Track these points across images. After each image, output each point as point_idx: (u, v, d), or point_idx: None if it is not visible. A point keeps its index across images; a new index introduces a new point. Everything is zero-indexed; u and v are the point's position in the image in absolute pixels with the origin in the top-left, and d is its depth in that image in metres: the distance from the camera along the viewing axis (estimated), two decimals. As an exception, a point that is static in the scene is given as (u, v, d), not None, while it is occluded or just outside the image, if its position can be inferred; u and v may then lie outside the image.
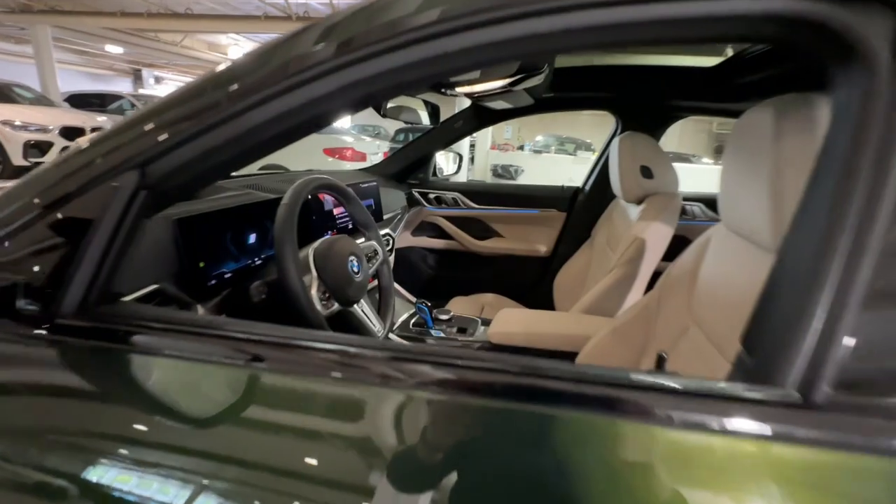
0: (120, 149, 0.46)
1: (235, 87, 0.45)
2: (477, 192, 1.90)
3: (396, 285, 1.49)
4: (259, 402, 0.42)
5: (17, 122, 6.34)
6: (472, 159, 8.92)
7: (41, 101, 7.61)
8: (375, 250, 0.96)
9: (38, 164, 6.25)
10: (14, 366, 0.44)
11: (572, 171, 6.85)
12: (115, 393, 0.44)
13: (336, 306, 0.77)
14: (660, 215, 1.19)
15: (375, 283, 1.03)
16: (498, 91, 1.09)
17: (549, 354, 1.09)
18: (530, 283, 1.86)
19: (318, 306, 0.72)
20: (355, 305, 0.84)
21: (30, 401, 0.44)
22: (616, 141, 1.29)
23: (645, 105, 1.55)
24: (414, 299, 1.47)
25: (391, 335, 1.19)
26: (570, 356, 1.04)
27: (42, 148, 6.41)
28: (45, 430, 0.41)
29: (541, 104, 1.54)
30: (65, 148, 6.05)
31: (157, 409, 0.42)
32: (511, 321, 1.19)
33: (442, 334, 1.19)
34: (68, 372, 0.44)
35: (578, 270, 1.58)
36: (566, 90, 1.50)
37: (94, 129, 6.77)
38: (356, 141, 5.88)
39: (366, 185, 1.36)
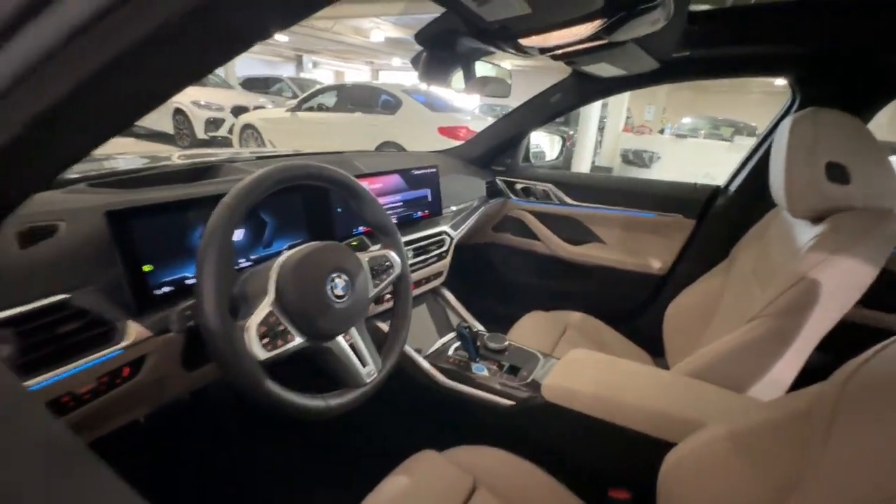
0: None
1: None
2: (575, 186, 1.53)
3: (448, 294, 1.24)
4: None
5: (202, 102, 7.62)
6: (599, 143, 8.02)
7: (222, 84, 9.08)
8: (389, 262, 0.72)
9: (214, 137, 7.48)
10: None
11: (723, 161, 5.61)
12: None
13: (299, 342, 0.57)
14: (855, 245, 0.72)
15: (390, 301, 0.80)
16: (589, 46, 0.74)
17: (624, 434, 0.75)
18: (634, 307, 1.45)
19: (255, 347, 0.52)
20: (337, 339, 0.63)
21: None
22: (788, 121, 0.83)
23: (847, 66, 0.99)
24: (464, 317, 1.20)
25: (425, 364, 0.96)
26: (657, 444, 0.69)
27: (217, 124, 7.60)
28: None
29: (672, 69, 1.11)
30: (233, 124, 7.10)
31: None
32: (580, 372, 0.86)
33: (485, 371, 0.92)
34: None
35: (704, 302, 1.13)
36: (713, 45, 1.03)
37: (256, 108, 7.83)
38: (474, 120, 5.68)
39: (421, 171, 1.13)
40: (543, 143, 1.91)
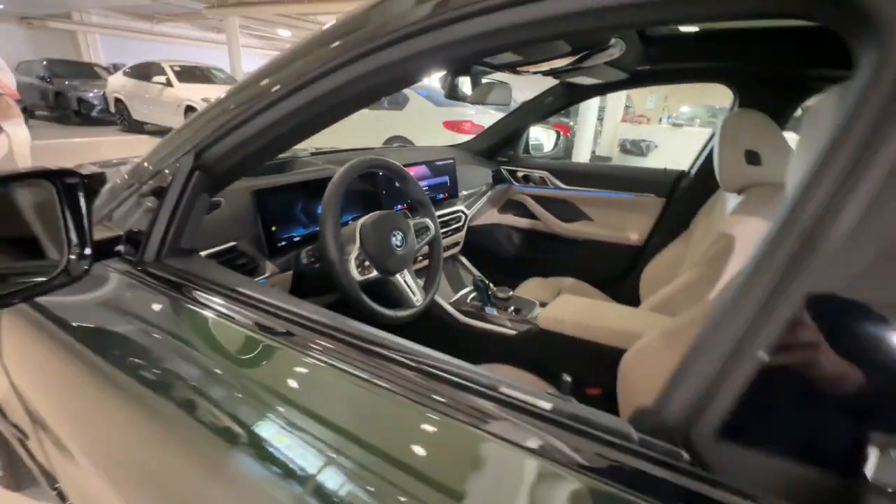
0: (184, 135, 0.60)
1: (293, 67, 0.53)
2: (567, 172, 1.82)
3: (464, 259, 1.55)
4: (277, 373, 0.48)
5: (212, 99, 7.87)
6: (600, 133, 8.26)
7: (229, 80, 9.29)
8: (427, 227, 1.03)
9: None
10: (117, 290, 0.62)
11: (720, 149, 5.85)
12: (162, 328, 0.58)
13: (375, 274, 0.87)
14: (759, 210, 1.02)
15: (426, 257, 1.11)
16: (569, 69, 1.04)
17: (597, 348, 1.05)
18: (617, 272, 1.74)
19: (354, 272, 0.82)
20: (397, 276, 0.93)
21: (121, 317, 0.61)
22: (724, 118, 1.12)
23: (766, 76, 1.28)
24: (478, 275, 1.51)
25: (448, 307, 1.26)
26: (621, 353, 0.99)
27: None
28: (123, 337, 0.58)
29: (640, 77, 1.39)
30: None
31: (184, 354, 0.53)
32: (566, 308, 1.16)
33: (495, 312, 1.23)
34: (142, 305, 0.60)
35: (670, 264, 1.43)
36: (668, 61, 1.32)
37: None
38: (478, 114, 5.94)
39: (442, 162, 1.43)
40: (541, 137, 2.19)
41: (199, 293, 0.56)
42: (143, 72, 8.46)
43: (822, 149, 0.29)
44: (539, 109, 1.72)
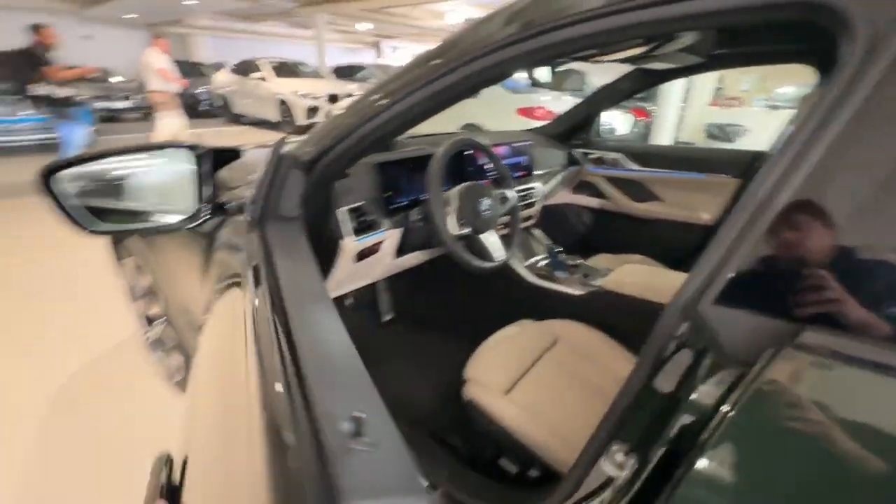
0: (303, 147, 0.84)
1: (402, 79, 0.74)
2: (640, 154, 1.89)
3: (538, 232, 1.71)
4: None
5: (301, 92, 8.52)
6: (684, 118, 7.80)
7: (315, 74, 9.97)
8: (507, 197, 1.22)
9: (312, 124, 8.44)
10: (226, 234, 0.88)
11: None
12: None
13: (467, 230, 1.09)
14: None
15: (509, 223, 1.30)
16: (643, 56, 1.15)
17: (659, 308, 1.18)
18: (686, 250, 1.80)
19: (453, 227, 1.04)
20: (484, 234, 1.13)
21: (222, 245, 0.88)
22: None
23: None
24: (551, 244, 1.67)
25: (521, 269, 1.45)
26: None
27: (315, 111, 8.46)
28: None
29: (716, 60, 1.45)
30: (329, 111, 7.95)
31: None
32: (631, 273, 1.29)
33: (565, 275, 1.39)
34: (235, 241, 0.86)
35: None
36: (744, 44, 1.36)
37: (346, 95, 8.64)
38: (553, 101, 5.94)
39: (519, 143, 1.60)
40: (615, 120, 2.26)
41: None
42: (243, 68, 9.41)
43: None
44: (613, 94, 1.82)
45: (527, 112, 5.48)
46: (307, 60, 10.29)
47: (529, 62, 0.63)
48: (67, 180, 0.84)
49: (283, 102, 8.48)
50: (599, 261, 1.66)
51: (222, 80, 9.78)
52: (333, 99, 8.36)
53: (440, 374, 1.41)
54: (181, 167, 0.90)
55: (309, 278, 0.69)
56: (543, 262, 1.50)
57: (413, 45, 20.13)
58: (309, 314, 0.61)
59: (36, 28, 4.00)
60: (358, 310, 1.65)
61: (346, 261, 1.07)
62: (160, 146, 0.98)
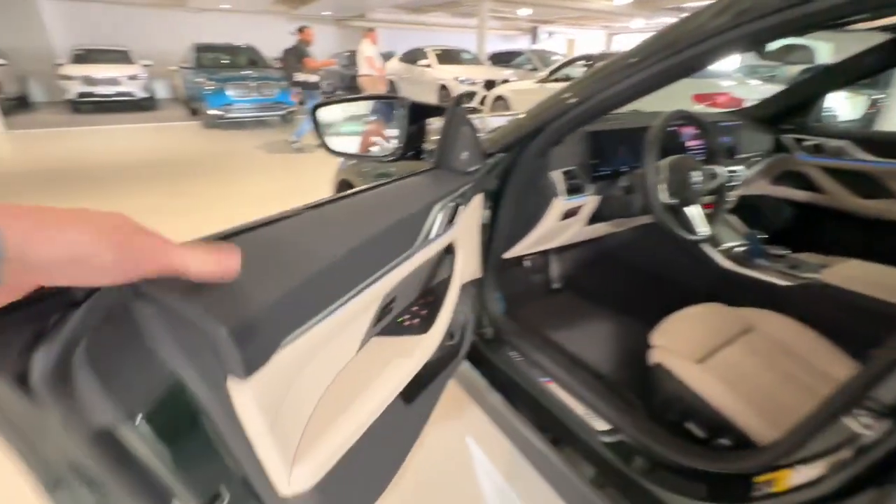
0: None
1: (627, 62, 0.81)
2: (876, 142, 1.62)
3: (733, 218, 1.62)
4: None
5: (461, 78, 8.98)
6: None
7: (474, 60, 10.37)
8: (715, 174, 1.20)
9: (469, 109, 8.86)
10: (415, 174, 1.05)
11: None
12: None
13: (675, 201, 1.12)
14: None
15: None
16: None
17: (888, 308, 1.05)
18: None
19: (661, 196, 1.09)
20: (690, 207, 1.15)
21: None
22: None
23: None
24: (749, 230, 1.57)
25: (713, 251, 1.41)
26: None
27: (470, 96, 8.84)
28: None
29: None
30: (484, 96, 8.24)
31: None
32: (859, 268, 1.17)
33: (766, 263, 1.31)
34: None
35: None
36: None
37: (502, 81, 8.83)
38: (738, 85, 5.22)
39: (725, 124, 1.52)
40: (839, 104, 1.95)
41: None
42: (411, 57, 10.27)
43: None
44: (849, 72, 1.58)
45: (704, 98, 4.93)
46: (468, 48, 10.75)
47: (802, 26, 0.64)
48: (325, 115, 1.14)
49: (443, 87, 9.05)
50: (807, 258, 1.50)
51: (393, 68, 10.83)
52: (490, 85, 8.61)
53: (614, 340, 1.48)
54: (394, 114, 1.12)
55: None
56: (740, 249, 1.43)
57: (569, 30, 19.38)
58: None
59: (300, 29, 5.52)
60: (532, 274, 1.79)
61: (552, 218, 1.20)
62: (383, 97, 1.19)
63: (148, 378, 0.39)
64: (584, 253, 1.87)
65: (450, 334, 1.08)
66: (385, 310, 0.79)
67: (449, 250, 0.93)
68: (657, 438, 0.92)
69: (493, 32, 18.21)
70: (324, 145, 1.12)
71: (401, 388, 0.74)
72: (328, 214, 0.67)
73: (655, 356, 1.07)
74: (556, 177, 1.16)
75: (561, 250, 1.84)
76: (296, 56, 5.51)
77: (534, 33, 19.35)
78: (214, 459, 0.47)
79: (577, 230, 1.38)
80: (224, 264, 0.35)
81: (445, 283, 0.95)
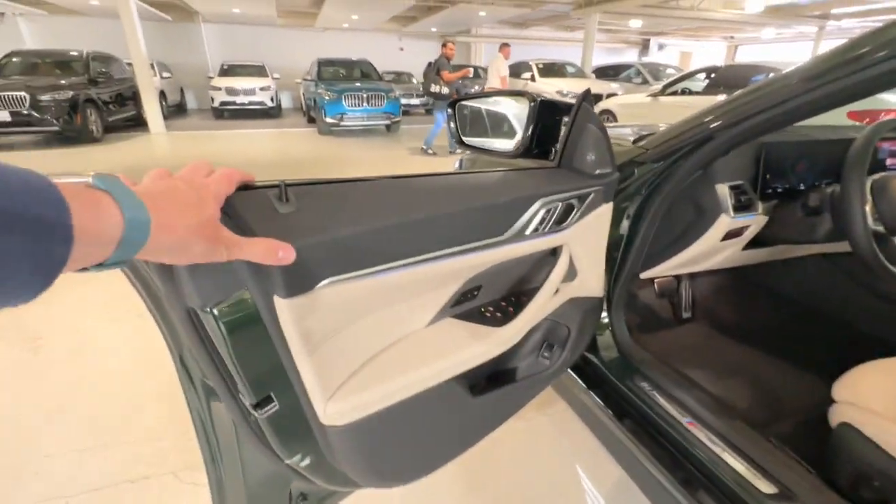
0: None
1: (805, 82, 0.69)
2: None
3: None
4: None
5: (564, 91, 8.83)
6: None
7: (578, 73, 10.14)
8: None
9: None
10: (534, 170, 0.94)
11: None
12: None
13: (881, 228, 0.92)
14: None
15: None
16: None
17: None
18: None
19: (869, 221, 0.91)
20: None
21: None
22: None
23: None
24: None
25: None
26: None
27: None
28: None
29: None
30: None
31: None
32: None
33: None
34: None
35: None
36: None
37: (608, 94, 8.50)
38: (905, 101, 4.39)
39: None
40: None
41: None
42: (515, 70, 10.32)
43: None
44: None
45: (863, 116, 4.22)
46: (574, 61, 10.52)
47: None
48: (461, 110, 1.11)
49: (544, 102, 8.94)
50: None
51: (493, 82, 10.99)
52: (596, 98, 8.34)
53: (768, 386, 1.28)
54: (520, 111, 1.05)
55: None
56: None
57: (683, 42, 18.06)
58: None
59: (444, 44, 6.09)
60: (660, 297, 1.63)
61: (714, 237, 1.07)
62: (512, 92, 1.12)
63: (223, 280, 0.50)
64: (722, 280, 1.66)
65: (549, 345, 1.01)
66: (467, 295, 0.79)
67: (555, 254, 0.87)
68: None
69: (599, 46, 17.68)
70: (458, 139, 1.11)
71: (461, 371, 0.73)
72: (415, 185, 0.68)
73: (841, 413, 0.89)
74: (723, 191, 1.03)
75: (695, 274, 1.65)
76: (436, 69, 6.05)
77: (644, 45, 18.39)
78: (267, 365, 0.57)
79: (731, 254, 1.22)
80: (280, 257, 0.43)
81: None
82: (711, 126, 0.88)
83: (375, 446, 0.67)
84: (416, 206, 0.61)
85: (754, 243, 1.21)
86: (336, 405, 0.58)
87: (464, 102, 1.07)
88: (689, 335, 1.57)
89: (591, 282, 1.04)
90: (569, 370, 1.23)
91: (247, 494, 0.76)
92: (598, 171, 0.90)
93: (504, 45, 6.72)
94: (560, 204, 0.83)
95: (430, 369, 0.68)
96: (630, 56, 18.51)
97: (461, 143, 1.07)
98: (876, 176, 0.95)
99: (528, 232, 0.78)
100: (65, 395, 1.68)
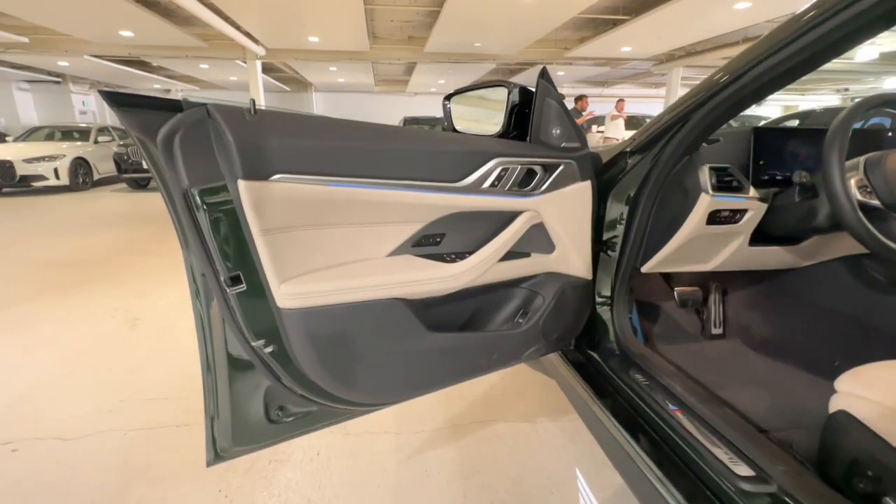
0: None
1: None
2: None
3: None
4: None
5: (619, 139, 8.78)
6: None
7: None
8: None
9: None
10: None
11: None
12: None
13: (877, 202, 0.87)
14: None
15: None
16: None
17: None
18: None
19: (855, 192, 0.86)
20: None
21: None
22: None
23: None
24: None
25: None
26: None
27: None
28: None
29: None
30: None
31: None
32: None
33: None
34: None
35: None
36: None
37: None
38: None
39: None
40: None
41: None
42: (592, 123, 10.47)
43: None
44: None
45: None
46: (652, 113, 10.40)
47: None
48: (455, 103, 1.23)
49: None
50: None
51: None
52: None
53: (779, 389, 1.16)
54: (502, 98, 1.13)
55: None
56: None
57: (785, 96, 16.86)
58: None
59: (577, 98, 7.17)
60: (687, 311, 1.55)
61: (697, 219, 1.06)
62: (495, 83, 1.19)
63: (210, 167, 0.68)
64: (756, 294, 1.54)
65: (524, 312, 1.05)
66: (430, 239, 0.89)
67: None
68: (823, 496, 0.70)
69: (686, 101, 17.20)
70: (451, 128, 1.25)
71: (411, 294, 0.84)
72: (377, 128, 0.82)
73: (839, 402, 0.82)
74: (704, 172, 1.04)
75: (726, 288, 1.56)
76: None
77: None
78: (236, 245, 0.72)
79: (737, 249, 1.18)
80: None
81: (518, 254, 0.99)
82: (686, 107, 0.93)
83: (325, 339, 0.78)
84: (371, 138, 0.77)
85: (766, 237, 1.16)
86: (289, 287, 0.72)
87: (456, 95, 1.24)
88: (712, 349, 1.47)
89: (573, 259, 1.08)
90: (574, 372, 1.20)
91: (230, 400, 0.86)
92: (564, 144, 0.98)
93: (620, 101, 7.73)
94: (518, 167, 0.92)
95: (381, 282, 0.79)
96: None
97: (454, 131, 1.22)
98: (870, 154, 0.91)
99: (485, 185, 0.89)
100: (144, 360, 2.02)
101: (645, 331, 1.51)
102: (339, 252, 0.80)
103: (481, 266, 0.91)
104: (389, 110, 16.30)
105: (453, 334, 0.93)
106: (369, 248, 0.84)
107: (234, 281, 0.74)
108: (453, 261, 0.91)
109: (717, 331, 1.55)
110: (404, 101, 16.67)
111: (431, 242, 0.91)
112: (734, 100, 0.83)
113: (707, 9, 6.53)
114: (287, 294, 0.72)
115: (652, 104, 15.74)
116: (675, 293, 1.53)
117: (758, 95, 0.82)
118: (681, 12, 6.65)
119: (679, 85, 10.97)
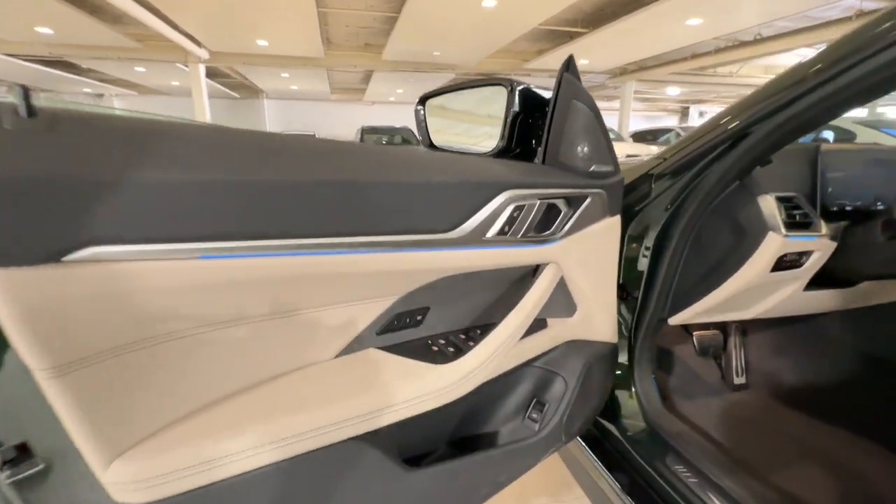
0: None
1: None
2: None
3: None
4: None
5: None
6: None
7: (616, 138, 10.26)
8: None
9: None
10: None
11: None
12: None
13: None
14: None
15: None
16: None
17: None
18: None
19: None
20: None
21: None
22: None
23: None
24: None
25: None
26: None
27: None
28: None
29: None
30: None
31: None
32: None
33: None
34: None
35: None
36: None
37: (648, 155, 8.43)
38: None
39: None
40: None
41: None
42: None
43: None
44: None
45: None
46: (612, 127, 10.66)
47: None
48: (431, 108, 0.95)
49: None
50: None
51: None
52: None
53: (847, 478, 0.93)
54: (498, 102, 0.85)
55: None
56: None
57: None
58: None
59: None
60: (703, 355, 1.31)
61: (762, 264, 0.81)
62: (489, 81, 0.91)
63: None
64: (785, 335, 1.33)
65: (538, 403, 0.75)
66: (406, 319, 0.56)
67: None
68: None
69: (638, 113, 17.92)
70: (427, 143, 0.95)
71: (378, 426, 0.48)
72: (317, 151, 0.47)
73: None
74: (769, 204, 0.79)
75: (745, 328, 1.34)
76: None
77: (684, 112, 18.49)
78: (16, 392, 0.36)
79: (792, 295, 0.94)
80: None
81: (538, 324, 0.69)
82: (747, 119, 0.68)
83: None
84: (296, 164, 0.43)
85: (821, 282, 0.93)
86: (130, 465, 0.36)
87: (433, 98, 0.93)
88: (742, 407, 1.23)
89: (598, 321, 0.80)
90: (581, 443, 0.96)
91: None
92: (593, 168, 0.70)
93: None
94: (537, 203, 0.63)
95: (324, 417, 0.46)
96: (671, 122, 18.59)
97: (431, 146, 0.91)
98: None
99: (489, 234, 0.58)
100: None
101: (660, 384, 1.27)
102: (235, 372, 0.45)
103: (494, 359, 0.59)
104: (345, 119, 15.81)
105: (441, 467, 0.60)
106: (298, 352, 0.50)
107: (18, 456, 0.36)
108: (444, 350, 0.59)
109: (739, 380, 1.32)
110: (361, 111, 16.21)
111: (408, 324, 0.59)
112: (828, 104, 0.59)
113: (661, 22, 6.67)
114: (126, 479, 0.36)
115: (607, 116, 16.19)
116: (695, 338, 1.29)
117: (865, 97, 0.58)
118: (636, 26, 6.75)
119: (632, 97, 11.30)
